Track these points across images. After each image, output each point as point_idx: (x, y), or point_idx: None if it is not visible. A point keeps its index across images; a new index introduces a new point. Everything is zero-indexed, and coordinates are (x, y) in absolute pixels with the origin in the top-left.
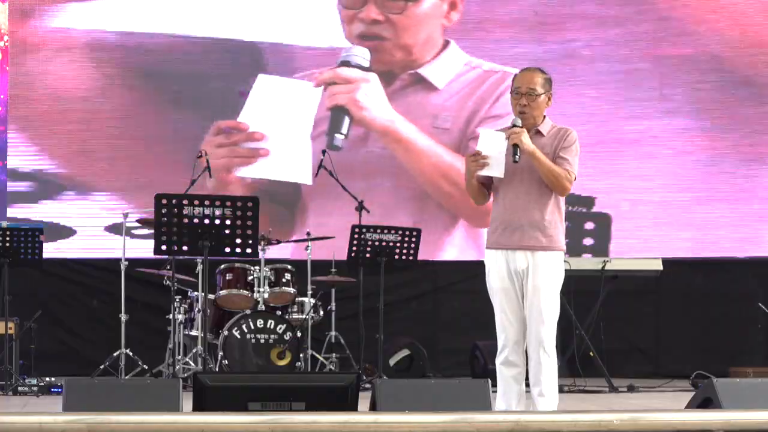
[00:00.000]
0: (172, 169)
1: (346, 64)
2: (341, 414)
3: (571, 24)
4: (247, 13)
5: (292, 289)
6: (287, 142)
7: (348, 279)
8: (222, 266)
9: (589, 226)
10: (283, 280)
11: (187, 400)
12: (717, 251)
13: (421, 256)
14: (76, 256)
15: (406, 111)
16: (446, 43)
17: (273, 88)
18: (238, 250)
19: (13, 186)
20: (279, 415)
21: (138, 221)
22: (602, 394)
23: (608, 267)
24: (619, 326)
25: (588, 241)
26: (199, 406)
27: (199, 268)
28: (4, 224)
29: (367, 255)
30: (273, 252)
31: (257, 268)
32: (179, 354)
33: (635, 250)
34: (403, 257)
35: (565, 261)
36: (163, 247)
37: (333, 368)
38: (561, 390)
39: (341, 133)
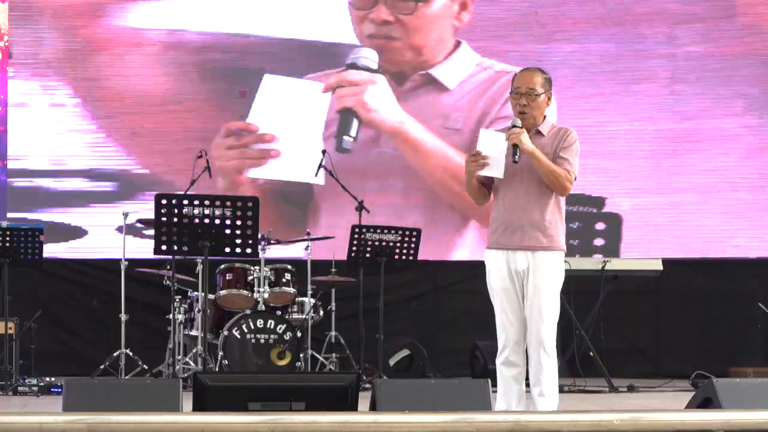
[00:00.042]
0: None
1: (353, 66)
2: (341, 414)
3: (584, 24)
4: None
5: (292, 289)
6: (299, 143)
7: (348, 279)
8: (222, 266)
9: (600, 226)
10: (283, 280)
11: (187, 400)
12: (717, 251)
13: (432, 257)
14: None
15: (416, 112)
16: (458, 44)
17: (280, 89)
18: (238, 250)
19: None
20: (279, 415)
21: (138, 221)
22: (602, 394)
23: (608, 267)
24: (619, 326)
25: (599, 242)
26: (199, 406)
27: (199, 268)
28: (4, 224)
29: (367, 255)
30: (273, 252)
31: (257, 268)
32: (179, 354)
33: (645, 251)
34: (403, 257)
35: (565, 261)
36: (163, 247)
37: (333, 368)
38: (561, 390)
39: (350, 136)
